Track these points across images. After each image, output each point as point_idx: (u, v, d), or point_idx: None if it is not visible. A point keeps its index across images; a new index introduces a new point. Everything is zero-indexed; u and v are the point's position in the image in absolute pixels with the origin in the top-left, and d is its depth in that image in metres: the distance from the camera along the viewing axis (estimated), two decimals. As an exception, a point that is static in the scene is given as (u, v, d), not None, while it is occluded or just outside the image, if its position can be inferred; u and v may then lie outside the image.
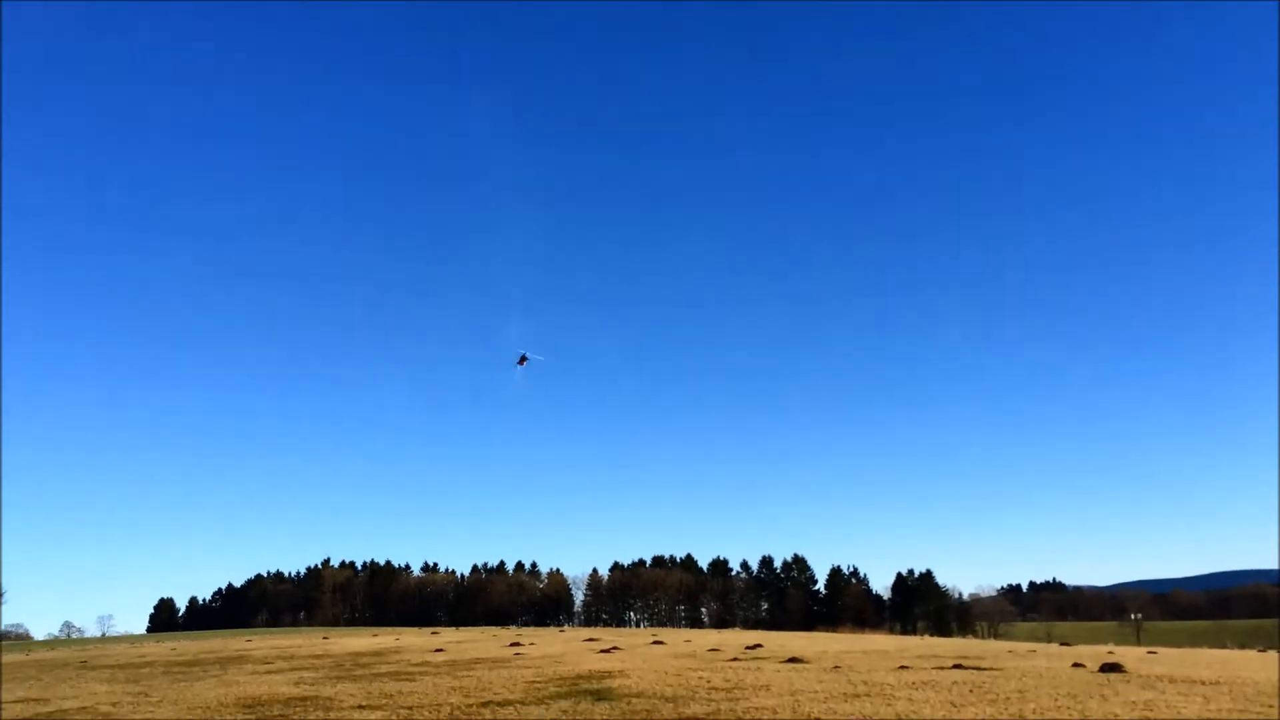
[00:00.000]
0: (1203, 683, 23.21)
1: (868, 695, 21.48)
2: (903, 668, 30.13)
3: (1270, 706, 18.04)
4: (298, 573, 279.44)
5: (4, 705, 28.29)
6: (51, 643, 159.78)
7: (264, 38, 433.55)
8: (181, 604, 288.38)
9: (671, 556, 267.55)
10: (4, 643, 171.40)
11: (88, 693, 31.43)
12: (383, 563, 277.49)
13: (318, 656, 48.00)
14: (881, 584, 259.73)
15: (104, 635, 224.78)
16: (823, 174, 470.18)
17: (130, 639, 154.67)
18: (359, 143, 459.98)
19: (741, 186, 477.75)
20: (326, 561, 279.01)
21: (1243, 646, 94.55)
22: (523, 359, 62.11)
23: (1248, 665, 34.65)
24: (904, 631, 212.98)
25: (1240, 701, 18.98)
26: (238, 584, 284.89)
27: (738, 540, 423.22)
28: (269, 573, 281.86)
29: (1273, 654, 54.04)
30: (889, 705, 19.49)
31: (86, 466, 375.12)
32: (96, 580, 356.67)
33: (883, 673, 28.10)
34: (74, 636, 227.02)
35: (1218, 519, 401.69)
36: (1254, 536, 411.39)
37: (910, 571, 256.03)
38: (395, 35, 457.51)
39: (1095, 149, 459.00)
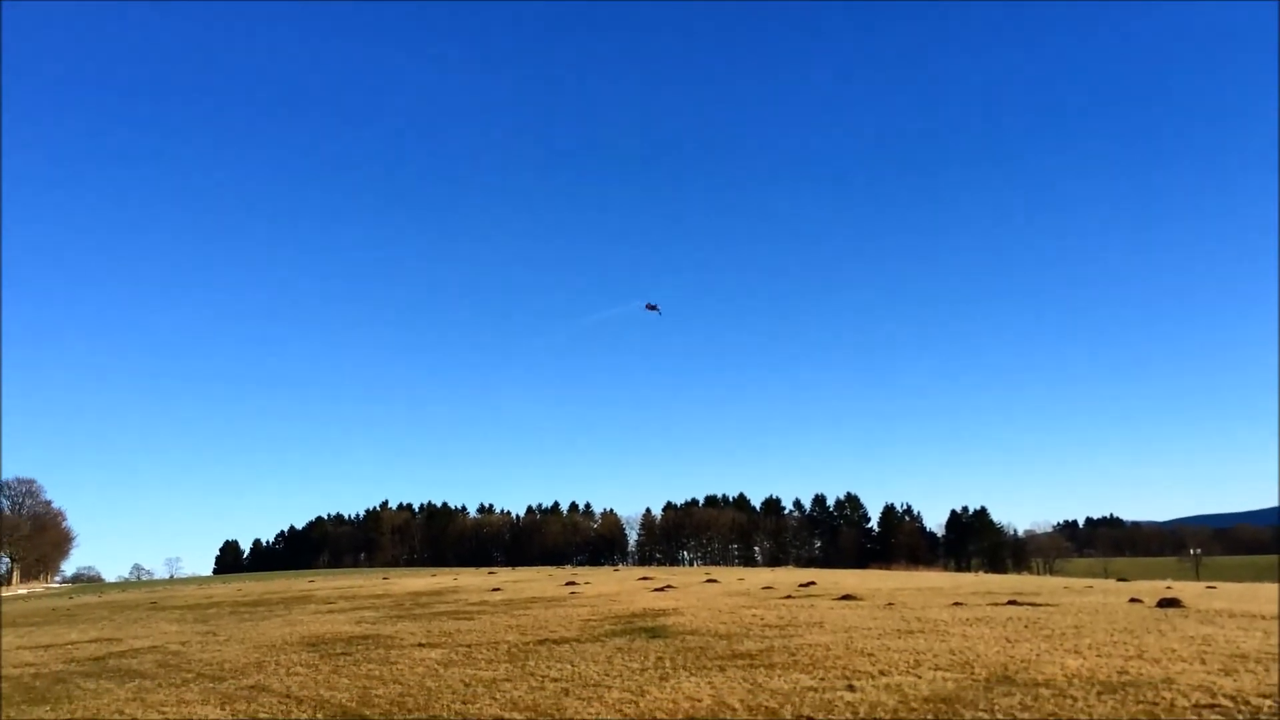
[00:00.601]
0: (1264, 617, 22.88)
1: (921, 631, 21.51)
2: (957, 604, 30.09)
3: (1333, 641, 17.76)
4: (357, 515, 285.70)
5: (80, 645, 29.37)
6: (122, 585, 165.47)
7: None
8: (246, 546, 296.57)
9: (724, 496, 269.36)
10: (77, 585, 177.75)
11: (158, 632, 32.55)
12: (440, 505, 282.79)
13: (378, 596, 49.11)
14: (935, 521, 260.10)
15: (172, 577, 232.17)
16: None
17: (197, 580, 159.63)
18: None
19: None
20: (385, 504, 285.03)
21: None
22: (652, 307, 71.10)
23: (1311, 600, 34.11)
24: (959, 569, 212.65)
25: (1302, 636, 18.70)
26: (299, 526, 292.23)
27: (791, 479, 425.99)
28: (329, 515, 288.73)
29: (1337, 588, 53.16)
30: (943, 641, 19.51)
31: (154, 413, 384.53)
32: (164, 524, 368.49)
33: (936, 609, 28.09)
34: (143, 579, 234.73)
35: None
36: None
37: (965, 508, 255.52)
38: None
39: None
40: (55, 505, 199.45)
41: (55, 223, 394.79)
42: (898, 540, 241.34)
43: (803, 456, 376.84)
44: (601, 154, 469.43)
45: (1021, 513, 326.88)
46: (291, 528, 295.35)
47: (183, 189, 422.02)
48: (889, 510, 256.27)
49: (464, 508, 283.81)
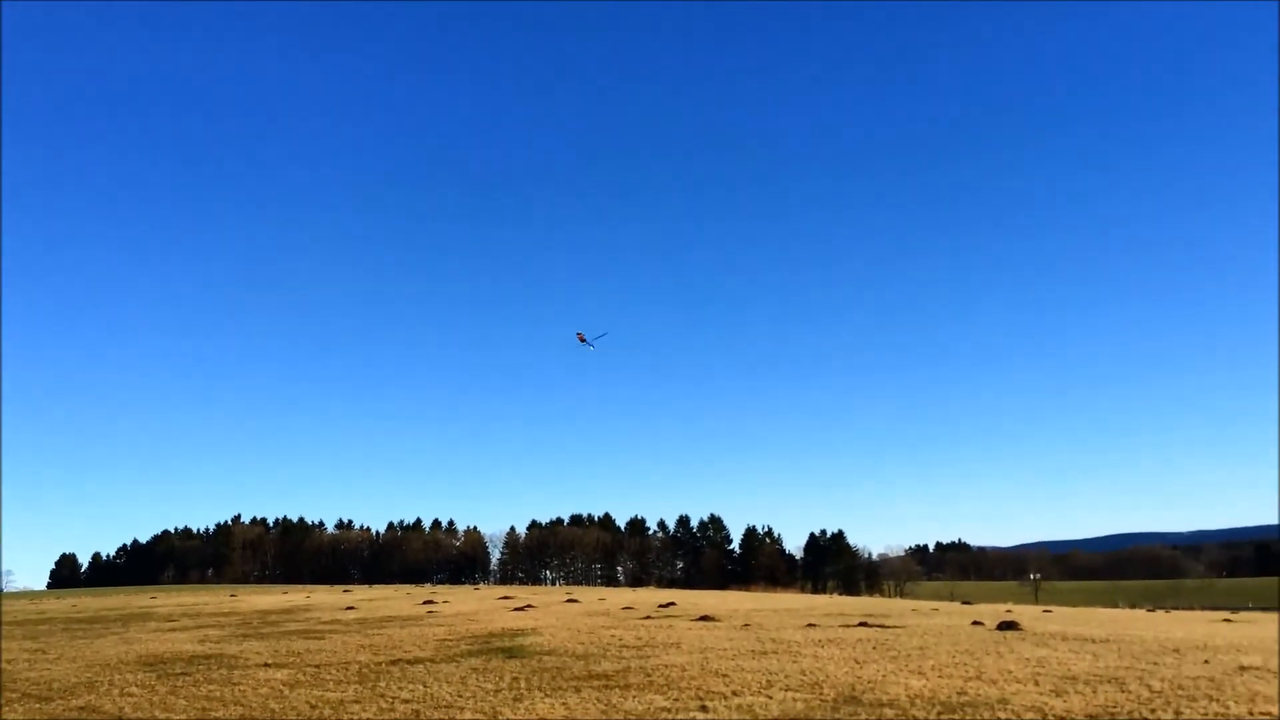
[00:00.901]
0: (1093, 640, 24.15)
1: (775, 652, 21.90)
2: (810, 625, 30.79)
3: (1155, 664, 18.86)
4: (207, 529, 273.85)
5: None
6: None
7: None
8: (84, 560, 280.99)
9: (590, 515, 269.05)
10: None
11: (-19, 651, 30.50)
12: (295, 519, 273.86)
13: (224, 614, 47.26)
14: (795, 544, 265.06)
15: (2, 591, 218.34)
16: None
17: (30, 595, 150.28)
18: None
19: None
20: (237, 517, 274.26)
21: (1134, 606, 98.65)
22: (582, 338, 65.43)
23: (1136, 624, 36.17)
24: (815, 590, 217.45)
25: (1127, 659, 19.80)
26: (144, 540, 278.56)
27: (656, 500, 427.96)
28: (177, 529, 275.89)
29: (1160, 613, 56.54)
30: (795, 662, 19.91)
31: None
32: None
33: (791, 630, 28.67)
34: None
35: (1117, 482, 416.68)
36: (1151, 500, 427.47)
37: (823, 532, 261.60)
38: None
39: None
40: None
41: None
42: (758, 562, 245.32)
43: (669, 478, 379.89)
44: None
45: (876, 537, 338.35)
46: (135, 541, 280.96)
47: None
48: (750, 532, 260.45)
49: (321, 523, 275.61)
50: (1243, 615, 55.90)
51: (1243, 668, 17.89)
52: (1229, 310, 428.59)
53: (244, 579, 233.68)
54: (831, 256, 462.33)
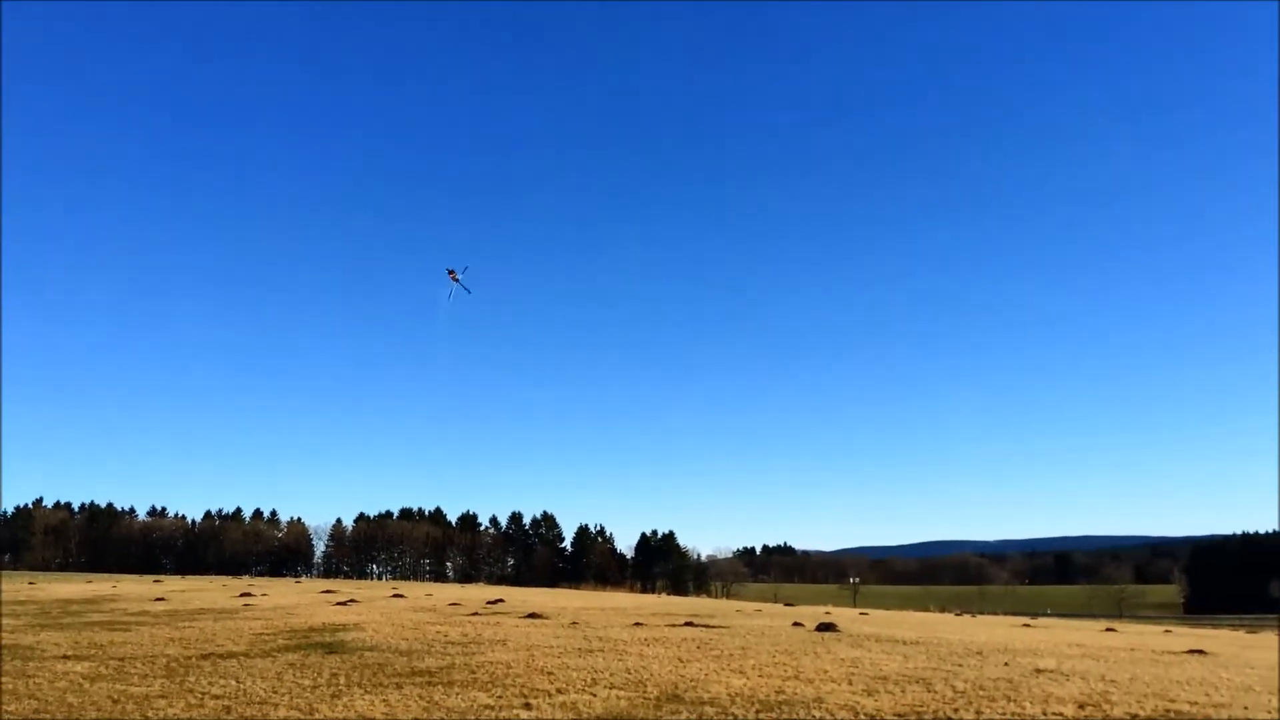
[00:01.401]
0: (904, 642, 25.28)
1: (601, 650, 22.02)
2: (638, 624, 31.12)
3: (960, 665, 19.87)
4: (5, 512, 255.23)
5: None
6: None
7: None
8: None
9: (420, 509, 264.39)
10: None
11: None
12: (104, 505, 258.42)
13: (20, 603, 44.26)
14: (626, 543, 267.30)
15: None
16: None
17: None
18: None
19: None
20: (39, 501, 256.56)
21: (944, 610, 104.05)
22: (453, 274, 57.94)
23: (945, 627, 38.14)
24: (645, 590, 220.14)
25: (935, 660, 20.81)
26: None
27: (489, 496, 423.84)
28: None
29: (967, 617, 59.75)
30: (620, 660, 20.06)
31: None
32: None
33: (618, 629, 28.91)
34: None
35: (933, 492, 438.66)
36: (961, 510, 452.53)
37: (654, 532, 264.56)
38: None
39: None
40: None
41: None
42: (589, 560, 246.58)
43: (503, 474, 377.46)
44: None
45: (706, 538, 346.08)
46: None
47: None
48: (583, 531, 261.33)
49: (132, 510, 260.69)
50: (1041, 620, 59.82)
51: (1039, 670, 19.05)
52: (1045, 326, 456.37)
53: (45, 566, 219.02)
54: (662, 255, 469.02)
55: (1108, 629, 46.06)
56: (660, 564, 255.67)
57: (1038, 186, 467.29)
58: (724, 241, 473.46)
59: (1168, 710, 14.32)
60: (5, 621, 32.13)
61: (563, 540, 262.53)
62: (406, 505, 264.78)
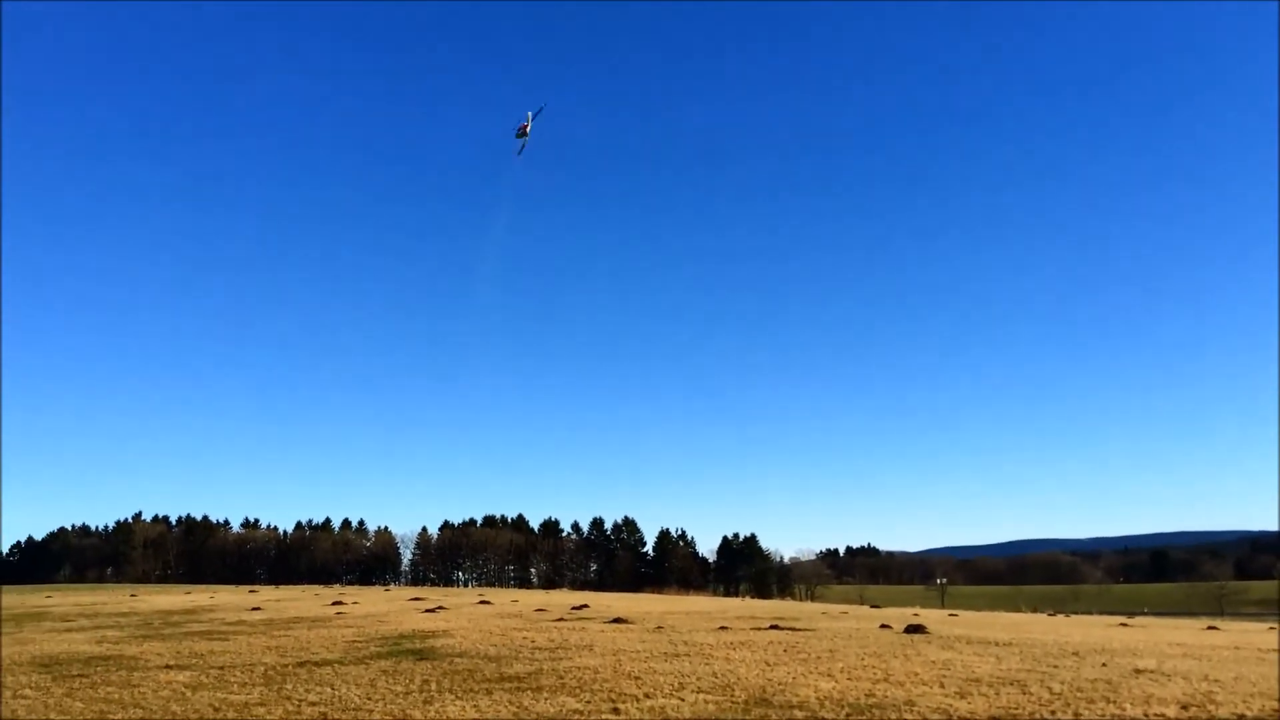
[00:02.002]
0: (996, 644, 24.78)
1: (687, 655, 22.00)
2: (722, 628, 31.02)
3: (1055, 666, 19.43)
4: (106, 527, 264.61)
5: None
6: None
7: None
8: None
9: (503, 516, 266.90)
10: None
11: None
12: (200, 518, 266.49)
13: (123, 614, 45.79)
14: (708, 547, 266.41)
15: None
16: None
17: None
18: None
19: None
20: (138, 515, 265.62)
21: (1035, 610, 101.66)
22: (524, 131, 55.47)
23: (1037, 627, 37.25)
24: (727, 593, 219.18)
25: (1029, 661, 20.37)
26: (39, 537, 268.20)
27: (570, 501, 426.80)
28: (74, 526, 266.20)
29: (1060, 618, 58.29)
30: (707, 664, 20.02)
31: None
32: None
33: (703, 633, 28.85)
34: None
35: (1019, 490, 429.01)
36: (1051, 508, 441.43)
37: (735, 535, 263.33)
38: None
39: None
40: None
41: None
42: (671, 565, 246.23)
43: (584, 479, 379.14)
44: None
45: (788, 540, 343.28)
46: (29, 538, 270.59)
47: None
48: (664, 535, 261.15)
49: (226, 522, 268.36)
50: (1138, 619, 57.98)
51: (1138, 670, 18.53)
52: (1133, 334, 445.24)
53: (145, 579, 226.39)
54: (759, 269, 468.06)
55: (1209, 627, 44.51)
56: (743, 567, 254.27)
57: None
58: (799, 246, 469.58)
59: (1276, 711, 13.83)
60: (109, 634, 33.30)
61: (644, 545, 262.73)
62: (490, 513, 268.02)
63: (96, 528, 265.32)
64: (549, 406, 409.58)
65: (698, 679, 17.67)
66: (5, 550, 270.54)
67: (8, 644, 29.85)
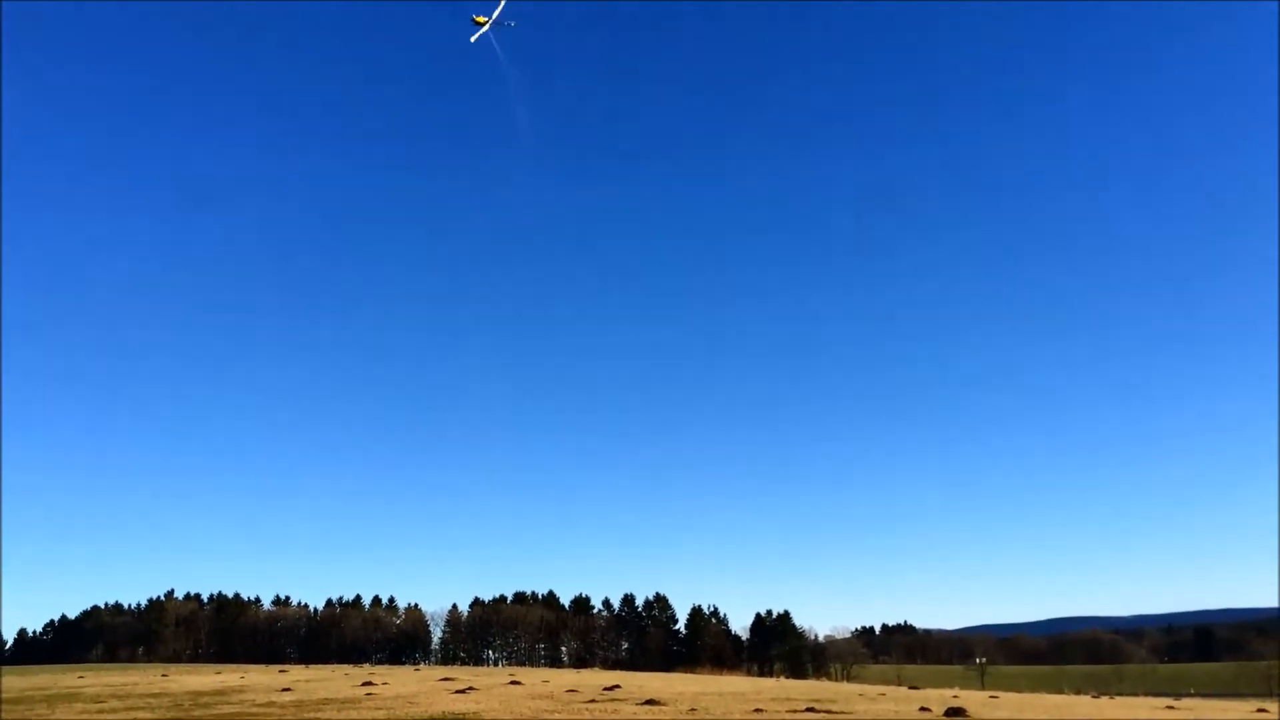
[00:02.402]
0: (1039, 727, 24.18)
1: (722, 739, 21.63)
2: (758, 710, 30.44)
3: (1099, 750, 18.91)
4: (138, 604, 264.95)
5: None
6: None
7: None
8: (9, 637, 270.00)
9: (534, 593, 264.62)
10: None
11: (-107, 734, 29.14)
12: (230, 595, 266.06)
13: (155, 695, 45.67)
14: (740, 624, 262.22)
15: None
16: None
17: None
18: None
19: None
20: (170, 593, 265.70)
21: (1078, 692, 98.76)
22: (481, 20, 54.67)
23: (1083, 709, 36.32)
24: (761, 672, 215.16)
25: (1072, 745, 19.85)
26: (72, 615, 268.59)
27: (601, 578, 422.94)
28: (107, 604, 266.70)
29: (1104, 699, 56.81)
30: (742, 749, 19.66)
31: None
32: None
33: (738, 715, 28.33)
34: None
35: (1060, 566, 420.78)
36: (1091, 584, 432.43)
37: (769, 612, 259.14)
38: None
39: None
40: None
41: None
42: (704, 642, 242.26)
43: (615, 556, 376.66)
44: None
45: (822, 618, 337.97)
46: (63, 617, 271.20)
47: None
48: (696, 612, 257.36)
49: (257, 599, 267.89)
50: (1185, 701, 56.34)
51: (1185, 757, 18.00)
52: (1169, 408, 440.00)
53: (176, 657, 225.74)
54: (783, 339, 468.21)
55: (1259, 709, 43.13)
56: (776, 645, 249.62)
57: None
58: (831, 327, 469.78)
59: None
60: (140, 715, 33.23)
61: (676, 622, 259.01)
62: (520, 589, 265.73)
63: (129, 605, 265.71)
64: (579, 484, 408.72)
65: (733, 765, 17.34)
66: (39, 629, 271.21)
67: (40, 726, 29.86)
